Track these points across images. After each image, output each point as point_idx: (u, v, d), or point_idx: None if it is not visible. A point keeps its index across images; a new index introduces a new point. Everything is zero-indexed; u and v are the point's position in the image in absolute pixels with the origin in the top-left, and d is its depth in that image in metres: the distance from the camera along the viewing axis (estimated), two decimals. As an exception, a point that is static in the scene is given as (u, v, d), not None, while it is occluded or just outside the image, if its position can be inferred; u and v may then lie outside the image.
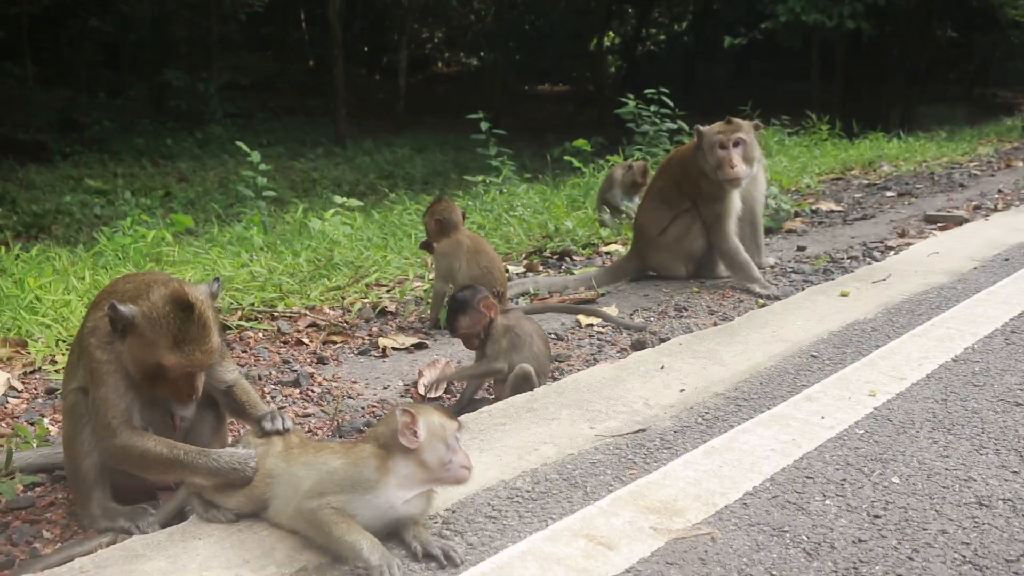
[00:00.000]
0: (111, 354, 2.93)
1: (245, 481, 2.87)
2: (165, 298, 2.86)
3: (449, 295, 4.81)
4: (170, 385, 2.93)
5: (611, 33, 37.37)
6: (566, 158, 11.94)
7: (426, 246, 5.81)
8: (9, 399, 4.27)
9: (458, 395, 4.53)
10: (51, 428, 3.91)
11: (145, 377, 2.91)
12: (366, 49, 35.73)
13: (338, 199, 8.69)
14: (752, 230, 6.82)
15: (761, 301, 6.01)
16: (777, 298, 6.01)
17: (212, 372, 3.07)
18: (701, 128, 6.45)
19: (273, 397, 4.39)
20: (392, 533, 2.74)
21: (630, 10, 35.85)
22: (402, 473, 2.72)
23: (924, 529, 2.88)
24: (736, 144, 6.24)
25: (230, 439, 3.40)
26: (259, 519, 2.86)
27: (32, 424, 3.90)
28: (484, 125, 11.16)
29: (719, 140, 6.28)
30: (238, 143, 10.22)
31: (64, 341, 4.99)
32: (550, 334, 5.35)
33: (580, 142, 11.97)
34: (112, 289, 3.12)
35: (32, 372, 4.66)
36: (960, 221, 8.66)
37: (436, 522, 2.87)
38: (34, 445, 3.65)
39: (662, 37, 39.29)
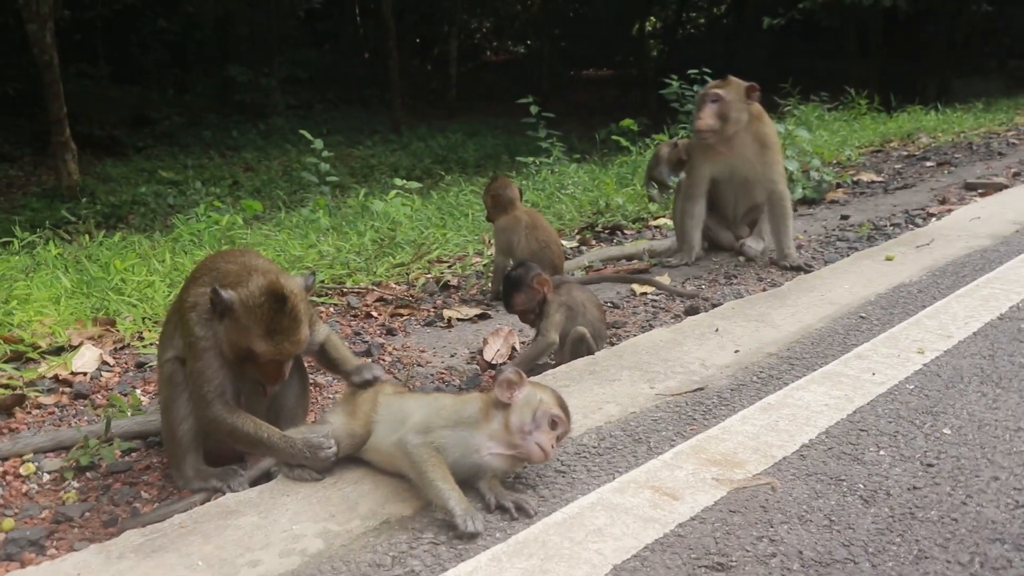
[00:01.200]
0: (209, 330, 3.08)
1: (316, 466, 3.02)
2: (262, 288, 2.98)
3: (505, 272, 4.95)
4: (259, 367, 3.08)
5: (653, 18, 37.28)
6: (614, 137, 12.07)
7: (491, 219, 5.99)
8: (103, 373, 4.50)
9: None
10: (143, 398, 4.13)
11: (237, 358, 3.07)
12: (418, 40, 36.00)
13: (398, 181, 8.90)
14: (770, 209, 6.35)
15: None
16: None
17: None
18: None
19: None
20: (469, 483, 2.86)
21: (671, -5, 35.96)
22: (494, 425, 2.89)
23: (977, 476, 2.96)
24: (714, 100, 6.07)
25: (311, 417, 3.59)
26: (343, 477, 3.01)
27: (125, 395, 4.12)
28: (534, 109, 11.32)
29: (700, 95, 6.24)
30: (302, 131, 10.47)
31: (149, 319, 5.23)
32: (606, 303, 5.52)
33: (627, 122, 12.13)
34: (213, 266, 3.24)
35: (122, 348, 4.89)
36: (1000, 187, 8.70)
37: (509, 477, 2.99)
38: (129, 414, 3.86)
39: (702, 20, 39.09)
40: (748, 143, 6.21)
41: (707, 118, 6.07)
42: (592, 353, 4.30)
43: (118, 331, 5.04)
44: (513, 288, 4.44)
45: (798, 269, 6.08)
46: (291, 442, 3.04)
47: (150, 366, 4.53)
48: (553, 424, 2.88)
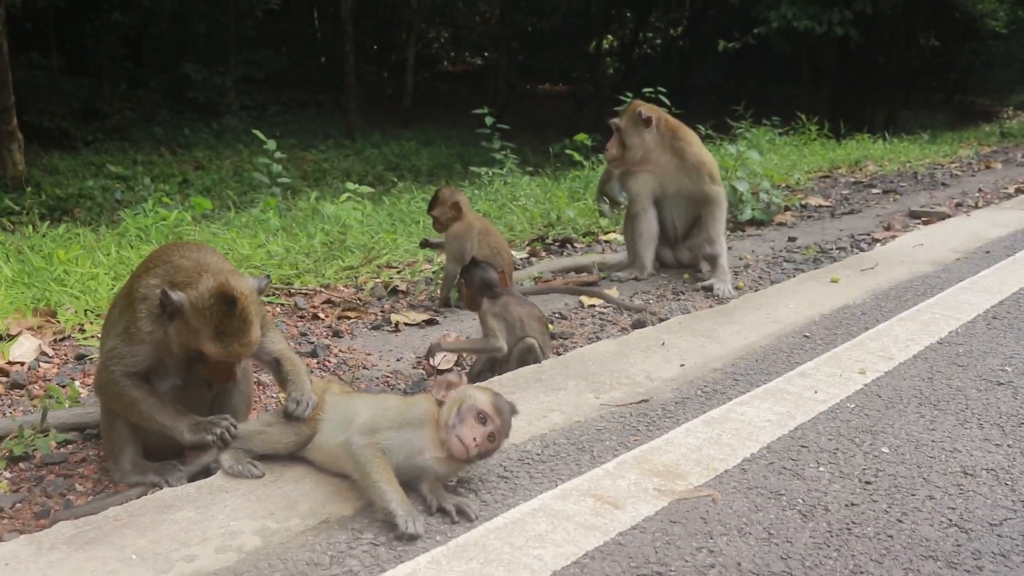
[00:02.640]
0: (155, 325, 3.03)
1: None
2: (212, 290, 2.94)
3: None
4: (210, 368, 3.05)
5: (610, 36, 37.73)
6: (567, 152, 12.14)
7: (425, 244, 6.09)
8: (41, 363, 4.42)
9: (468, 368, 4.67)
10: (82, 390, 4.06)
11: (188, 358, 3.03)
12: (375, 47, 35.84)
13: (350, 186, 8.87)
14: (704, 209, 6.48)
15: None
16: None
17: (259, 346, 3.15)
18: None
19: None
20: (411, 485, 2.85)
21: (628, 15, 36.26)
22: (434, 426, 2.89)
23: (913, 495, 3.02)
24: (617, 130, 6.44)
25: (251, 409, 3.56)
26: (283, 475, 2.98)
27: (64, 386, 4.05)
28: (489, 120, 11.32)
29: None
30: (255, 132, 10.39)
31: (92, 311, 5.15)
32: (554, 313, 5.57)
33: (581, 136, 12.18)
34: (167, 259, 3.17)
35: (62, 339, 4.81)
36: (943, 216, 8.93)
37: (451, 480, 2.98)
38: (66, 405, 3.79)
39: (658, 41, 39.63)
40: (668, 159, 6.44)
41: (611, 149, 6.50)
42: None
43: (59, 322, 4.97)
44: (466, 272, 4.50)
45: (715, 258, 6.25)
46: (198, 425, 3.05)
47: (90, 358, 4.45)
48: (481, 419, 2.85)
